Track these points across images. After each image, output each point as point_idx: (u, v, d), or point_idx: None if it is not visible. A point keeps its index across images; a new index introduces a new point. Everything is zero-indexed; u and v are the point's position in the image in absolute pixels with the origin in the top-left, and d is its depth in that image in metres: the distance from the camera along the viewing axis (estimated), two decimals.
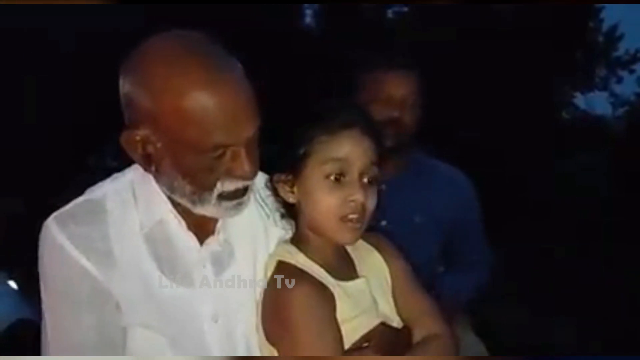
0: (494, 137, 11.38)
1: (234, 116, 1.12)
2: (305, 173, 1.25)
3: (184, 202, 1.21)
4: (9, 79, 8.63)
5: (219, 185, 1.18)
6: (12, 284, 3.89)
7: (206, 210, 1.21)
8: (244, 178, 1.19)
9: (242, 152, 1.16)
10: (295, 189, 1.28)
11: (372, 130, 1.28)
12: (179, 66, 1.10)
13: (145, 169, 1.19)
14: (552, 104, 13.27)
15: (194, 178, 1.17)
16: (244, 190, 1.22)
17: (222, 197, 1.19)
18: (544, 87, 12.46)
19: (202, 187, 1.18)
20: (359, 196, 1.23)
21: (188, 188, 1.18)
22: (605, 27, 13.73)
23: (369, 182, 1.26)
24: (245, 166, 1.16)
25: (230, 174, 1.17)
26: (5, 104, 8.62)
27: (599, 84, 13.98)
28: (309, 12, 13.08)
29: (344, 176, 1.24)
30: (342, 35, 11.63)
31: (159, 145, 1.14)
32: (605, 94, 14.21)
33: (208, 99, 1.09)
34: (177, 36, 1.16)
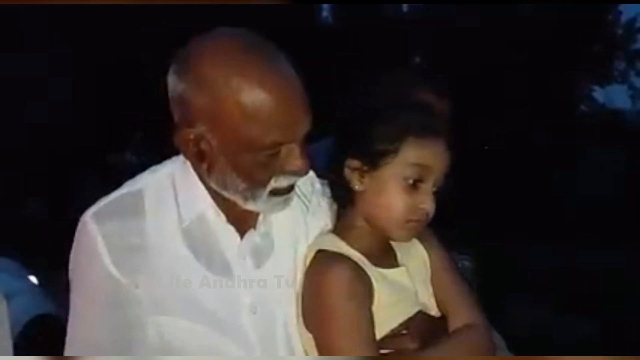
0: (510, 132, 11.32)
1: (291, 114, 1.14)
2: (385, 168, 1.25)
3: (235, 198, 1.22)
4: (27, 81, 8.73)
5: (272, 181, 1.19)
6: (33, 278, 3.94)
7: (257, 206, 1.23)
8: (297, 174, 1.21)
9: (297, 149, 1.17)
10: (366, 180, 1.27)
11: (452, 141, 1.29)
12: (238, 64, 1.12)
13: (197, 167, 1.21)
14: (571, 98, 13.16)
15: (248, 175, 1.18)
16: (293, 186, 1.24)
17: (273, 193, 1.21)
18: (562, 81, 12.36)
19: (256, 184, 1.19)
20: (429, 205, 1.25)
21: (241, 185, 1.19)
22: (623, 19, 13.59)
23: (436, 191, 1.28)
24: (300, 163, 1.18)
25: (284, 171, 1.19)
26: (24, 107, 8.74)
27: (617, 77, 13.84)
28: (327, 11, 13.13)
29: (421, 182, 1.25)
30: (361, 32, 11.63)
31: (214, 142, 1.16)
32: (624, 87, 14.07)
33: (268, 97, 1.11)
34: (230, 34, 1.17)
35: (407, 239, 1.30)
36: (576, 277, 6.97)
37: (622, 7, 13.47)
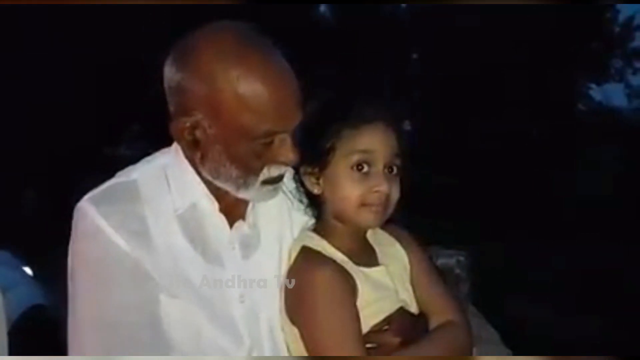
0: (508, 130, 11.31)
1: (285, 104, 1.18)
2: (331, 165, 1.30)
3: (227, 186, 1.25)
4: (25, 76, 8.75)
5: (265, 170, 1.23)
6: (27, 270, 3.95)
7: (248, 194, 1.26)
8: (288, 164, 1.25)
9: (289, 139, 1.21)
10: (321, 181, 1.32)
11: (396, 123, 1.33)
12: (235, 54, 1.16)
13: (191, 155, 1.24)
14: (568, 96, 13.17)
15: (242, 163, 1.21)
16: (283, 176, 1.28)
17: (265, 182, 1.25)
18: (559, 80, 12.36)
19: (249, 172, 1.23)
20: (383, 187, 1.27)
21: (235, 173, 1.22)
22: (621, 18, 13.60)
23: (393, 172, 1.30)
24: (291, 153, 1.22)
25: (275, 160, 1.23)
26: (17, 101, 8.76)
27: (614, 76, 13.85)
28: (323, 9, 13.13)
29: (369, 167, 1.28)
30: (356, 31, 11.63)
31: (211, 131, 1.19)
32: (621, 86, 14.10)
33: (264, 87, 1.16)
34: (229, 27, 1.21)
35: (375, 223, 1.32)
36: (576, 277, 6.98)
37: (619, 5, 13.48)
